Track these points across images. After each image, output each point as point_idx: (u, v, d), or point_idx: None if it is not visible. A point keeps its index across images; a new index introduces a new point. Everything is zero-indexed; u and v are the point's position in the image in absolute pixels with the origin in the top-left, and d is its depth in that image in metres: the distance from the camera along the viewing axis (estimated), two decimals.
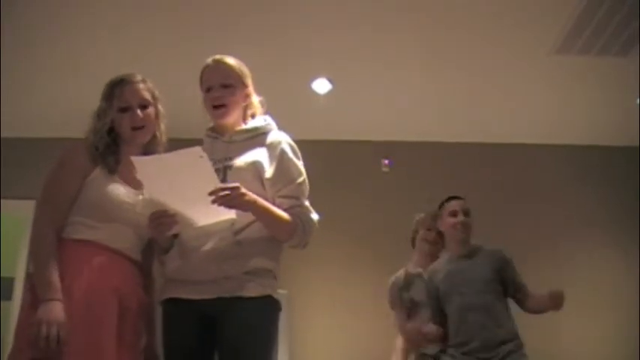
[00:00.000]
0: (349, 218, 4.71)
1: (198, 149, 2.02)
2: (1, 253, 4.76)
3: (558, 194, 4.90)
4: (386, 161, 4.94)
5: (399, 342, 3.43)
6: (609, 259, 4.71)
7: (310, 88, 4.25)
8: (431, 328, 3.05)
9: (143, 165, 2.07)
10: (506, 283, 3.08)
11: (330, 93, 4.30)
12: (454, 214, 3.16)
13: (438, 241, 3.37)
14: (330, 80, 4.20)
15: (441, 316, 3.09)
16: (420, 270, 3.35)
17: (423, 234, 3.45)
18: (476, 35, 3.71)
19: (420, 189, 4.87)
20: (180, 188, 2.04)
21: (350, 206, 4.76)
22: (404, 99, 4.44)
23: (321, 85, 4.24)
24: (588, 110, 4.55)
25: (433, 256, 3.34)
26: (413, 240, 3.52)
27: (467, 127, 4.81)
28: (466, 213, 3.17)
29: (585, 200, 4.89)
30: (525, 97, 4.41)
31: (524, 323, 3.08)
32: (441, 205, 3.26)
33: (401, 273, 3.43)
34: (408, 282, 3.37)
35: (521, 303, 3.10)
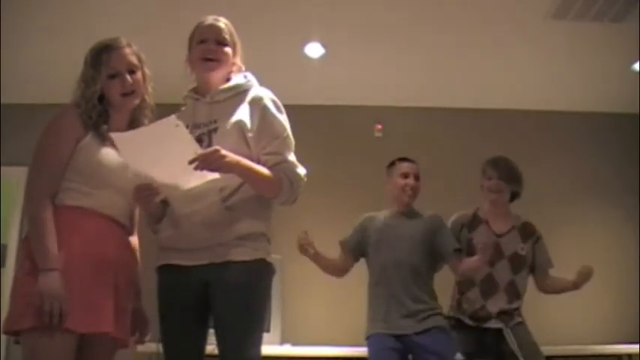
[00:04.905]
0: (343, 184, 4.71)
1: (173, 118, 2.00)
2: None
3: (552, 160, 4.89)
4: (379, 126, 4.94)
5: None
6: (610, 223, 4.76)
7: (303, 52, 4.21)
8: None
9: (123, 141, 2.06)
10: (439, 248, 3.12)
11: (323, 57, 4.26)
12: (406, 175, 3.21)
13: (500, 189, 3.25)
14: (323, 45, 4.16)
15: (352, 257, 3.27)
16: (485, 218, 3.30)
17: (483, 182, 3.34)
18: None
19: (413, 154, 4.85)
20: (163, 160, 2.04)
21: (343, 171, 4.76)
22: (397, 64, 4.41)
23: (314, 50, 4.20)
24: (583, 76, 4.52)
25: (496, 204, 3.28)
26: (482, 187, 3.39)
27: (460, 92, 4.79)
28: (417, 177, 3.22)
29: (579, 166, 4.90)
30: (520, 62, 4.38)
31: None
32: (392, 164, 3.30)
33: (469, 213, 3.35)
34: (474, 223, 3.30)
35: (454, 268, 3.14)
